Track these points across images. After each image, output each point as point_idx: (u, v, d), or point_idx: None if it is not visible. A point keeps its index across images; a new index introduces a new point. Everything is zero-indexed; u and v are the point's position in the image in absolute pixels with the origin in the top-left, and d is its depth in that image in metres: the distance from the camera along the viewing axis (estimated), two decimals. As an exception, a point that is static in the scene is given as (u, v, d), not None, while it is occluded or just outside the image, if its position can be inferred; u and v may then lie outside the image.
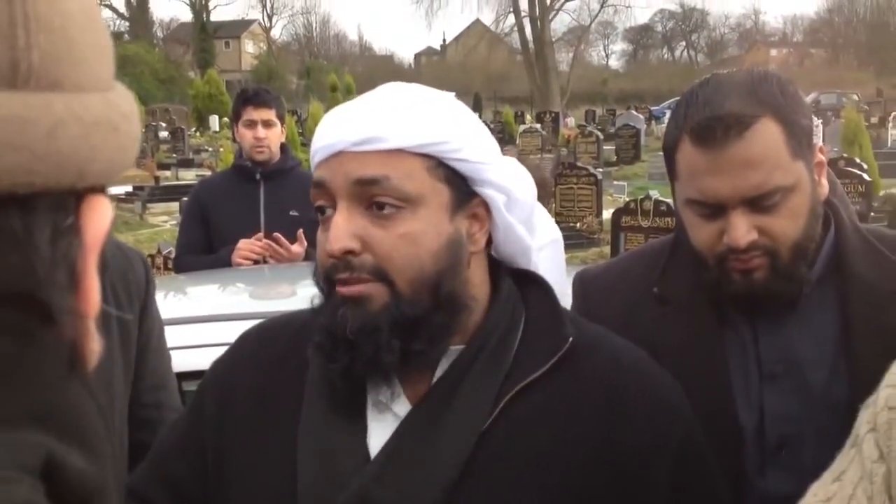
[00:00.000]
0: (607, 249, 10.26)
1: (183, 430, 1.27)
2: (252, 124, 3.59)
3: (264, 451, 1.14)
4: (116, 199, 15.64)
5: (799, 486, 1.03)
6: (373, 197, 1.05)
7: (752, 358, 1.38)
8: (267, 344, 1.23)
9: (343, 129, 1.06)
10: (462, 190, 1.09)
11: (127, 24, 63.48)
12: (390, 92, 1.11)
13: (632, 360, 1.17)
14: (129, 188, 16.35)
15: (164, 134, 27.19)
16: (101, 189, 0.50)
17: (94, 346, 0.52)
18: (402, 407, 1.11)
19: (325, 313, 1.08)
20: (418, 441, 1.08)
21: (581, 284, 1.54)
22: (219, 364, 1.27)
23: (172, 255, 4.71)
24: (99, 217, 0.50)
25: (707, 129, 1.25)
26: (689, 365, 1.36)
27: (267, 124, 3.59)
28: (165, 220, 14.04)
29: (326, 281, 1.08)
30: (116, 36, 60.86)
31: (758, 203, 1.27)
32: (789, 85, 1.31)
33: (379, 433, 1.10)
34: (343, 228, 1.04)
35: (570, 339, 1.12)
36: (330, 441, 1.10)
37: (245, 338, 1.28)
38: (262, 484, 1.12)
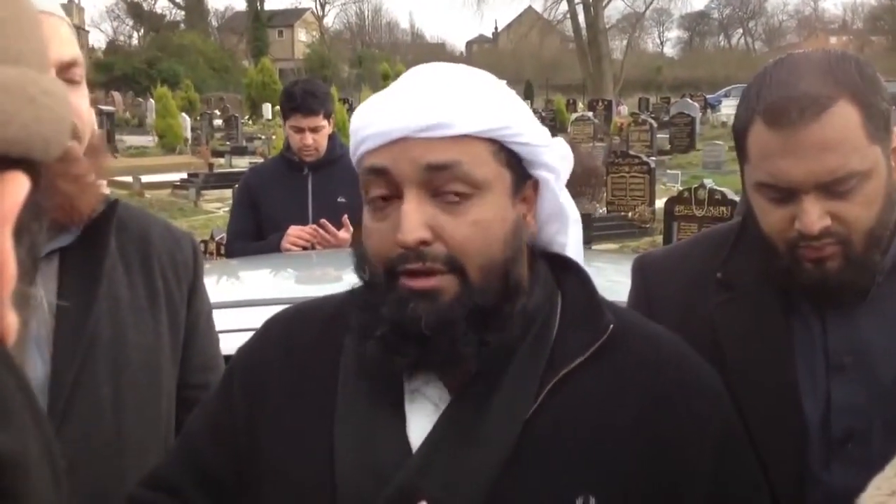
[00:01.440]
0: (660, 239, 10.15)
1: (211, 416, 1.24)
2: (300, 130, 3.63)
3: (299, 439, 1.12)
4: (172, 185, 15.89)
5: (865, 480, 0.99)
6: (443, 184, 1.02)
7: (819, 348, 1.33)
8: (296, 330, 1.20)
9: (405, 114, 1.03)
10: (518, 173, 1.09)
11: (183, 13, 64.37)
12: (444, 75, 1.09)
13: (669, 345, 1.16)
14: (184, 175, 16.58)
15: (218, 122, 27.53)
16: (19, 164, 0.51)
17: (10, 319, 0.52)
18: (441, 395, 1.09)
19: (389, 306, 1.03)
20: (462, 431, 1.05)
21: (640, 267, 1.50)
22: (246, 350, 1.24)
23: (225, 241, 4.76)
24: (13, 190, 0.50)
25: (781, 109, 1.20)
26: (752, 354, 1.32)
27: (315, 130, 3.62)
28: (219, 206, 14.20)
29: (388, 272, 1.04)
30: (172, 25, 61.81)
31: (832, 188, 1.22)
32: (868, 66, 1.25)
33: (418, 423, 1.08)
34: (415, 218, 1.01)
35: (612, 325, 1.10)
36: (369, 431, 1.08)
37: (272, 324, 1.25)
38: (298, 473, 1.10)
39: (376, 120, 1.04)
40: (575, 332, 1.10)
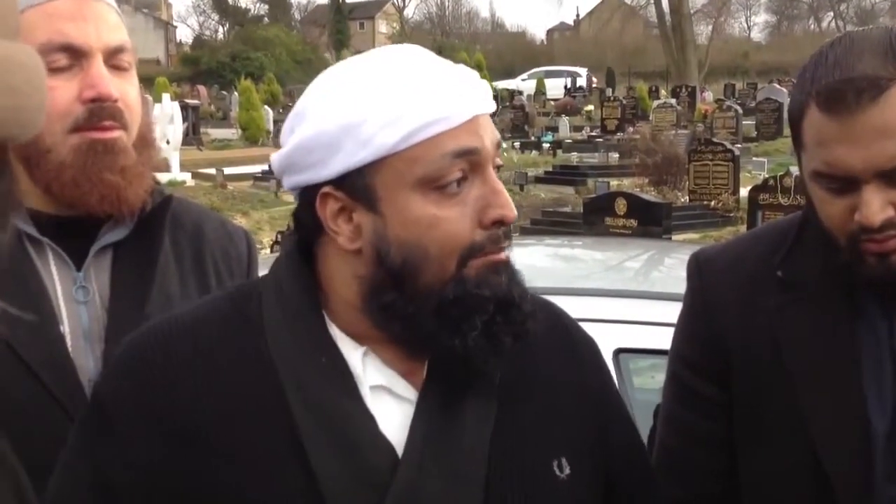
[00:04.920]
0: (743, 228, 9.89)
1: (98, 485, 1.03)
2: None
3: (263, 464, 1.00)
4: (253, 177, 16.16)
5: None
6: (496, 157, 1.04)
7: (886, 353, 1.24)
8: (184, 355, 1.05)
9: (476, 93, 1.02)
10: None
11: (266, 7, 65.48)
12: (431, 55, 1.07)
13: (555, 306, 1.23)
14: (266, 167, 16.85)
15: (300, 114, 27.84)
16: None
17: None
18: (403, 386, 1.05)
19: (484, 286, 1.00)
20: (445, 417, 1.03)
21: (696, 265, 1.41)
22: (129, 393, 1.04)
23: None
24: None
25: (836, 93, 1.11)
26: (815, 359, 1.24)
27: None
28: (299, 197, 14.38)
29: (463, 258, 1.00)
30: (256, 19, 62.91)
31: (894, 177, 1.12)
32: None
33: (390, 420, 1.02)
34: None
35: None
36: (343, 434, 1.00)
37: (142, 361, 1.06)
38: (272, 489, 1.00)
39: (451, 98, 0.99)
40: None
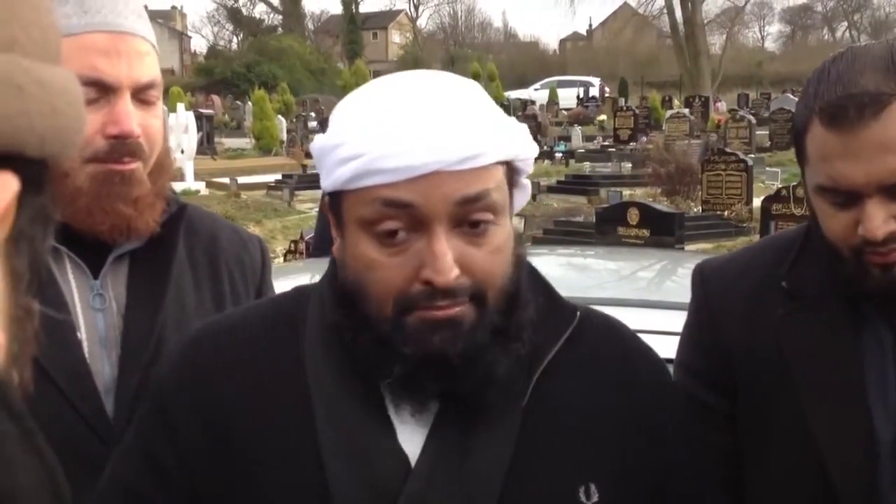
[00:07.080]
0: (757, 239, 9.86)
1: (150, 459, 1.09)
2: None
3: (281, 463, 1.04)
4: (267, 186, 16.23)
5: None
6: (468, 214, 0.98)
7: (890, 362, 1.25)
8: (231, 352, 1.10)
9: (439, 147, 0.95)
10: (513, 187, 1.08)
11: (280, 17, 65.82)
12: (450, 94, 1.00)
13: (628, 331, 1.20)
14: (279, 176, 16.92)
15: (313, 124, 28.00)
16: (8, 163, 0.45)
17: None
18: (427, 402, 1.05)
19: (408, 343, 0.99)
20: (462, 434, 1.03)
21: (701, 276, 1.43)
22: (175, 382, 1.10)
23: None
24: None
25: (839, 108, 1.13)
26: (820, 368, 1.25)
27: None
28: (311, 206, 14.40)
29: (400, 307, 0.99)
30: (270, 29, 63.20)
31: None
32: None
33: (410, 433, 1.04)
34: (449, 257, 0.96)
35: (578, 312, 1.12)
36: (360, 443, 1.03)
37: (193, 350, 1.12)
38: (286, 490, 1.04)
39: (399, 151, 0.95)
40: (546, 322, 1.09)
